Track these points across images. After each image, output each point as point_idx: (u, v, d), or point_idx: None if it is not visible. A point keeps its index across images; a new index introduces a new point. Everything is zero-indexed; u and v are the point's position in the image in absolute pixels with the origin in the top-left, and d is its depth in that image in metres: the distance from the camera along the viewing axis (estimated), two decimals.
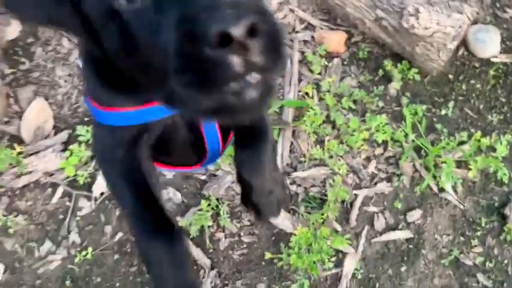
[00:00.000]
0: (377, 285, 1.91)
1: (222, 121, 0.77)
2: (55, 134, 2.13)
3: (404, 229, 1.98)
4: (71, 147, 2.03)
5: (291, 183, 2.04)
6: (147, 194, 0.83)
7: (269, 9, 0.50)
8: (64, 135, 2.12)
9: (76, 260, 1.92)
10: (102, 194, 2.03)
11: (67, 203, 2.02)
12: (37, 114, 2.12)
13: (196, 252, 1.93)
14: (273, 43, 0.47)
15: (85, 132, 2.03)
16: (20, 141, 2.08)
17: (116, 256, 1.94)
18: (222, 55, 0.44)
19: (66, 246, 1.95)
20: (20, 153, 2.03)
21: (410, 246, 1.97)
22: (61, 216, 2.01)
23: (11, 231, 1.96)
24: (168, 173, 2.01)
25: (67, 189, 2.04)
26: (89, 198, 2.03)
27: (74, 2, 0.56)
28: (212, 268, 1.92)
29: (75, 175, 2.03)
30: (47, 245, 1.96)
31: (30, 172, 2.06)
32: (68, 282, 1.89)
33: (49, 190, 2.05)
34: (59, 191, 2.04)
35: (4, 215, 1.98)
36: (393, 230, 1.98)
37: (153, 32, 0.48)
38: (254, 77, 0.47)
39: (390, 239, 1.97)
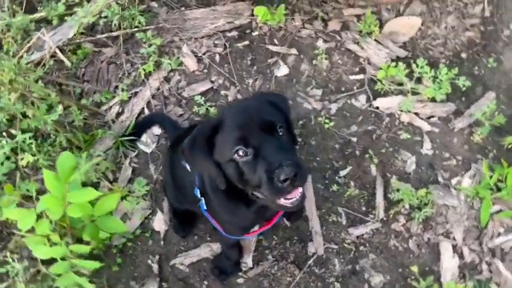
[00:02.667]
0: None
1: (284, 210, 1.50)
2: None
3: None
4: (400, 63, 2.28)
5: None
6: None
7: (302, 163, 1.24)
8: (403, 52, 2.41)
9: None
10: (377, 108, 2.29)
11: (360, 88, 2.36)
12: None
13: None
14: (302, 176, 1.22)
15: (423, 64, 2.25)
16: None
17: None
18: (284, 184, 1.20)
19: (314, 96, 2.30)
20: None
21: None
22: (356, 88, 2.36)
23: (319, 59, 2.41)
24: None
25: (368, 90, 2.35)
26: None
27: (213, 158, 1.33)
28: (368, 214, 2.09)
29: (380, 80, 2.31)
30: None
31: (358, 44, 2.43)
32: None
33: (351, 61, 2.42)
34: (361, 81, 2.38)
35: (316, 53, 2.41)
36: None
37: (253, 172, 1.25)
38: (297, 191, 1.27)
39: None
